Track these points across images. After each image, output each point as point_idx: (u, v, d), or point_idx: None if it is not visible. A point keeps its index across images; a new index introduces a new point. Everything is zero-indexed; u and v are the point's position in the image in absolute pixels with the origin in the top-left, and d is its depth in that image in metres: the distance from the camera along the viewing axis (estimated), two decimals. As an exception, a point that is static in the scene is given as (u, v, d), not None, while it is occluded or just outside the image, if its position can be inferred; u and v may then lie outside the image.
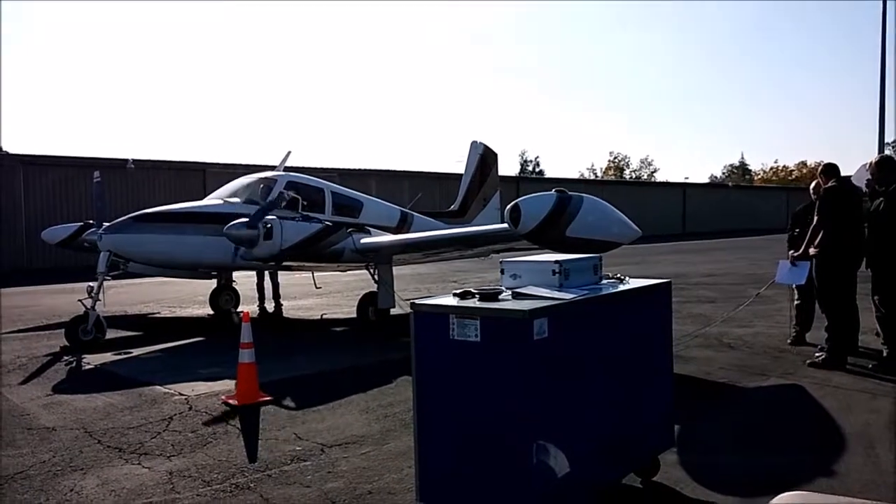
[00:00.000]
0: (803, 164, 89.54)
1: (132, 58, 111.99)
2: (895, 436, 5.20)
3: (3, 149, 25.49)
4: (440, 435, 3.60)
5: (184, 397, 6.72)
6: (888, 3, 23.21)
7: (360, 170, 34.66)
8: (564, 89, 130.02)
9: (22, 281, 19.53)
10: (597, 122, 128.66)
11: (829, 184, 7.50)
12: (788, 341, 8.64)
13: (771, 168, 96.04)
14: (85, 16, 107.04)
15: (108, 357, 8.76)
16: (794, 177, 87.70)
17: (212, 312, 12.85)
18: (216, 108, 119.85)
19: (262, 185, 11.46)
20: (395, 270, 11.10)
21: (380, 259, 10.77)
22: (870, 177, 7.59)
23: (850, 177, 8.13)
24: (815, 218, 7.45)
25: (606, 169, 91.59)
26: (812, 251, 7.50)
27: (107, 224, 10.33)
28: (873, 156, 8.10)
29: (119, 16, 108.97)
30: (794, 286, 8.50)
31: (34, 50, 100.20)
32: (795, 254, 7.88)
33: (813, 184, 8.63)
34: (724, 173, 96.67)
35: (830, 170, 7.66)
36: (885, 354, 7.26)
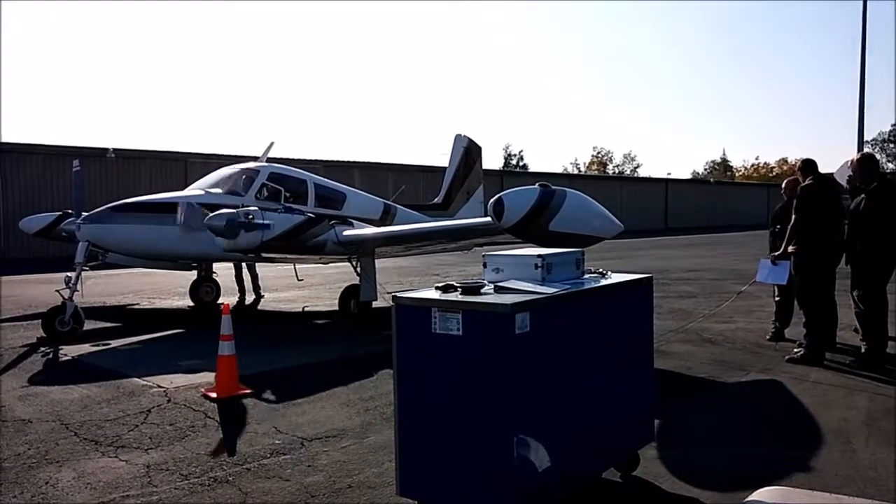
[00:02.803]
0: (784, 160, 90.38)
1: (114, 47, 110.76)
2: (872, 431, 5.26)
3: None
4: (421, 428, 3.58)
5: (162, 390, 6.64)
6: (868, 1, 23.43)
7: (343, 161, 34.46)
8: (548, 84, 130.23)
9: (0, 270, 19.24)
10: (580, 117, 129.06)
11: (807, 181, 7.55)
12: (767, 337, 8.71)
13: (752, 164, 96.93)
14: (65, 4, 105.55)
15: (85, 349, 8.65)
16: (774, 173, 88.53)
17: (192, 304, 12.73)
18: (198, 98, 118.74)
19: (244, 176, 11.36)
20: (378, 263, 11.05)
21: (362, 251, 10.72)
22: (851, 174, 7.64)
23: (830, 174, 8.19)
24: (794, 216, 7.51)
25: (590, 164, 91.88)
26: (791, 249, 7.57)
27: (85, 214, 10.18)
28: (854, 153, 8.18)
29: (99, 4, 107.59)
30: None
31: (13, 38, 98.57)
32: (776, 254, 7.97)
33: (784, 182, 8.74)
34: (706, 169, 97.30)
35: (808, 166, 7.70)
36: (863, 351, 7.34)
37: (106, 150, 26.68)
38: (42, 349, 8.63)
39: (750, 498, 2.15)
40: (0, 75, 75.83)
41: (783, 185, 8.74)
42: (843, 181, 8.24)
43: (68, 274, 9.58)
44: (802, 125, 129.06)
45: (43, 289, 13.71)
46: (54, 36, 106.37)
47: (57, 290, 9.46)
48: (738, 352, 8.10)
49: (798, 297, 7.77)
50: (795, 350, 7.63)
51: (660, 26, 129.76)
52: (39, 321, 9.45)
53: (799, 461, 4.65)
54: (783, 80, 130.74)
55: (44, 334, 9.19)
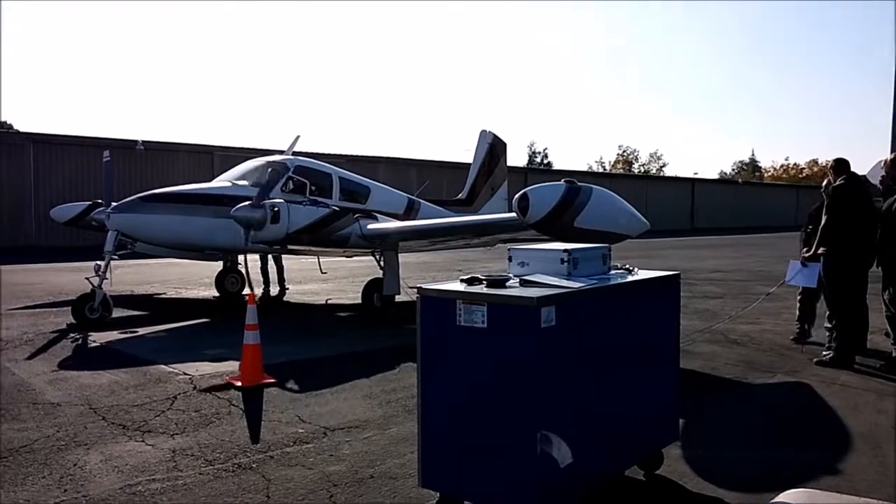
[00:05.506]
0: (814, 162, 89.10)
1: (145, 41, 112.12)
2: (901, 436, 5.16)
3: (11, 125, 25.53)
4: (444, 420, 3.58)
5: (188, 377, 6.73)
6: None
7: (368, 156, 34.63)
8: (574, 82, 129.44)
9: (33, 258, 19.62)
10: (606, 115, 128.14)
11: (839, 181, 7.40)
12: (791, 338, 8.56)
13: (781, 166, 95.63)
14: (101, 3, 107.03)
15: (114, 335, 8.80)
16: (804, 175, 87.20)
17: (217, 294, 12.87)
18: (226, 92, 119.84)
19: (270, 169, 11.44)
20: (401, 259, 11.08)
21: (386, 246, 10.76)
22: (884, 174, 7.49)
23: (862, 175, 8.02)
24: (825, 217, 7.36)
25: (615, 162, 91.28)
26: (822, 250, 7.43)
27: (115, 203, 10.33)
28: (888, 154, 8.01)
29: (133, 3, 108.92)
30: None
31: (49, 32, 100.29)
32: (806, 255, 7.81)
33: (825, 182, 8.55)
34: (733, 170, 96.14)
35: (841, 166, 7.53)
36: (893, 354, 7.20)
37: (136, 142, 27.06)
38: (72, 335, 8.78)
39: (776, 499, 2.12)
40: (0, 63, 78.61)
41: (823, 185, 8.52)
42: (875, 182, 8.07)
43: (97, 262, 9.74)
44: (833, 125, 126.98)
45: (73, 277, 13.95)
46: (88, 31, 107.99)
47: (87, 278, 9.62)
48: (765, 353, 7.99)
49: (828, 300, 7.64)
50: (824, 353, 7.51)
51: (688, 25, 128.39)
52: (70, 308, 9.62)
53: (826, 464, 4.58)
54: (814, 80, 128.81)
55: (73, 321, 9.36)
